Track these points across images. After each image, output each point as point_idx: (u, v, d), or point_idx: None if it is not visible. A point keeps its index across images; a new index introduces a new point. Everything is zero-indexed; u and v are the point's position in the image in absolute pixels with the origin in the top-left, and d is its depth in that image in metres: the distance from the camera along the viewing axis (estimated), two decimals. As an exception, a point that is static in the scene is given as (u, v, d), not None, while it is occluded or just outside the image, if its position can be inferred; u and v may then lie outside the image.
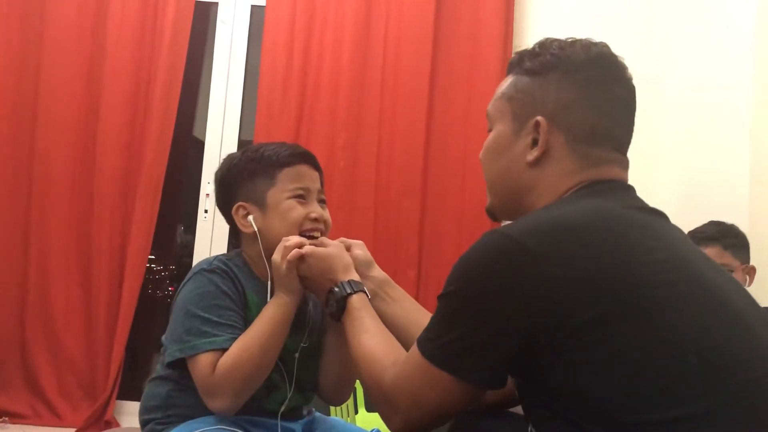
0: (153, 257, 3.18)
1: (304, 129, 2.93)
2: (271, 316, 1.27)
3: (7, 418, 2.76)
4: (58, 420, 2.79)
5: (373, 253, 2.88)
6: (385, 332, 1.16)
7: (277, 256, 1.28)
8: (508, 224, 0.94)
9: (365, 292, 1.25)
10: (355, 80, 2.93)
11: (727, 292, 0.92)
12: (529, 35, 2.98)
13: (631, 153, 1.08)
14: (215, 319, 1.25)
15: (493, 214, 1.14)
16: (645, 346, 0.83)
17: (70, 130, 2.94)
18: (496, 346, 0.89)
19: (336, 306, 1.22)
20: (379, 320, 1.19)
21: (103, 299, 2.87)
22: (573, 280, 0.85)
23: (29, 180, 2.93)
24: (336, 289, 1.24)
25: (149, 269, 3.11)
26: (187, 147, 3.29)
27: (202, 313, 1.25)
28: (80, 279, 2.91)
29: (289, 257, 1.27)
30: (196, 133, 3.28)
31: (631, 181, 1.05)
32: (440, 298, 0.96)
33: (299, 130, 2.93)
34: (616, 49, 1.08)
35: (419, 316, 1.30)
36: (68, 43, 2.95)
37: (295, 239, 1.29)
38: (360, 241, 1.38)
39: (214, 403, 1.23)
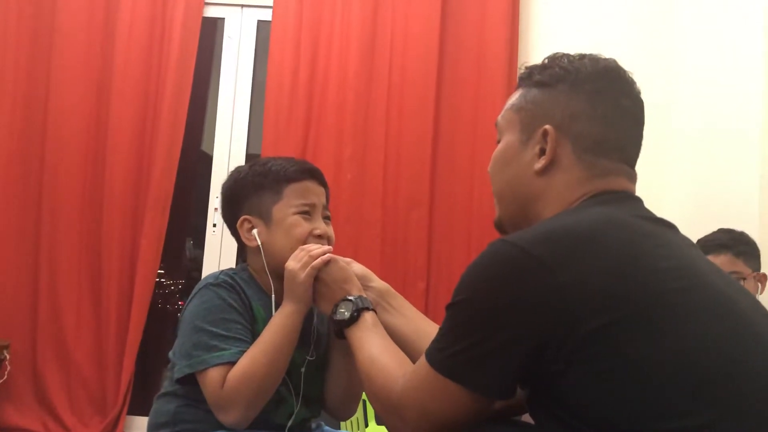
0: (162, 271, 3.19)
1: (311, 142, 2.95)
2: (279, 326, 1.27)
3: (18, 434, 2.77)
4: (69, 435, 2.80)
5: (381, 265, 2.91)
6: (395, 348, 1.16)
7: (295, 264, 1.27)
8: (516, 233, 0.94)
9: (376, 313, 1.25)
10: (361, 93, 2.94)
11: (736, 300, 0.91)
12: (534, 46, 2.99)
13: (642, 164, 1.08)
14: (223, 332, 1.25)
15: (502, 228, 1.14)
16: (653, 355, 0.82)
17: (79, 146, 2.97)
18: (505, 355, 0.89)
19: (349, 316, 1.22)
20: (390, 338, 1.19)
21: (112, 314, 2.88)
22: (581, 287, 0.85)
23: (39, 195, 2.95)
24: (352, 298, 1.24)
25: (158, 283, 3.12)
26: (195, 161, 3.30)
27: (209, 327, 1.25)
28: (90, 294, 2.93)
29: (314, 264, 1.26)
30: (204, 147, 3.30)
31: (641, 191, 1.05)
32: (448, 307, 0.95)
33: (306, 143, 2.94)
34: (623, 61, 1.09)
35: (422, 324, 1.30)
36: (77, 58, 2.98)
37: (318, 248, 1.29)
38: (350, 259, 1.38)
39: (226, 417, 1.23)
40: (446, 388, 0.91)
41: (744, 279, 2.01)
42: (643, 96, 1.08)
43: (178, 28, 2.99)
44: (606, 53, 1.10)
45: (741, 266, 2.03)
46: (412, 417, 0.96)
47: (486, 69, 2.95)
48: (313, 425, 1.42)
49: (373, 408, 1.07)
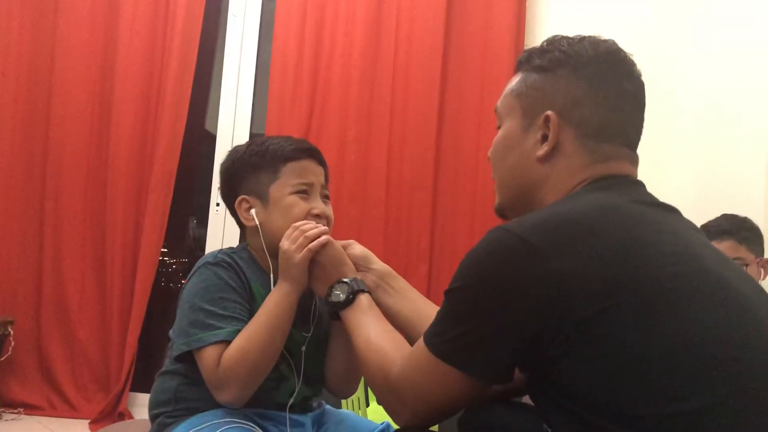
0: (165, 250, 3.20)
1: (315, 122, 2.94)
2: (274, 305, 1.26)
3: (22, 410, 2.80)
4: (72, 411, 2.83)
5: (384, 247, 2.90)
6: (391, 330, 1.16)
7: (290, 245, 1.26)
8: (514, 220, 0.94)
9: (371, 296, 1.26)
10: (366, 73, 2.92)
11: (737, 285, 0.91)
12: (541, 27, 2.96)
13: (646, 148, 1.07)
14: (220, 311, 1.25)
15: (503, 213, 1.13)
16: (650, 340, 0.83)
17: (83, 125, 2.97)
18: (501, 341, 0.89)
19: (344, 298, 1.22)
20: (385, 321, 1.20)
21: (116, 292, 2.90)
22: (577, 275, 0.85)
23: (43, 174, 2.95)
24: (347, 281, 1.24)
25: (162, 262, 3.13)
26: (199, 141, 3.30)
27: (206, 306, 1.25)
28: (94, 272, 2.94)
29: (311, 246, 1.26)
30: (207, 126, 3.29)
31: (645, 177, 1.05)
32: (447, 293, 0.96)
33: (310, 123, 2.93)
34: (627, 45, 1.07)
35: (423, 306, 1.30)
36: (81, 38, 2.97)
37: (314, 228, 1.28)
38: (352, 240, 1.37)
39: (222, 396, 1.24)
40: (443, 372, 0.92)
41: (747, 265, 2.01)
42: (646, 75, 1.07)
43: (182, 7, 2.97)
44: (612, 32, 1.08)
45: (744, 252, 2.03)
46: (409, 399, 0.97)
47: (492, 50, 2.93)
48: (315, 404, 1.43)
49: (371, 390, 1.08)
